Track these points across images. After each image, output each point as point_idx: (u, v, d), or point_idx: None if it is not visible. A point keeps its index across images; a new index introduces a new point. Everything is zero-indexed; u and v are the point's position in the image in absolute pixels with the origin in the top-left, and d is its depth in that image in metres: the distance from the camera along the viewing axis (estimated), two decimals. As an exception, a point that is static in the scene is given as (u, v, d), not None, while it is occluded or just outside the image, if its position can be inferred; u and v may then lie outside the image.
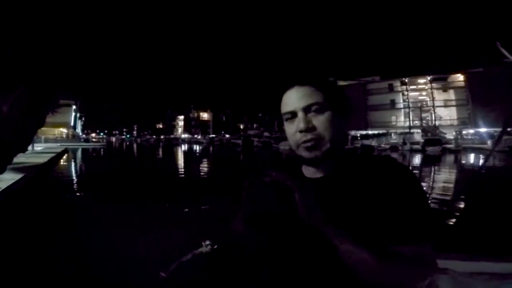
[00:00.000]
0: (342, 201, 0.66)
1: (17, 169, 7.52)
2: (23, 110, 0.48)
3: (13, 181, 5.96)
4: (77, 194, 7.62)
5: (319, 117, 0.69)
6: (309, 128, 0.68)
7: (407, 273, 0.60)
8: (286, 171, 0.76)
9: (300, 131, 0.68)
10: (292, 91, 0.71)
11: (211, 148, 40.24)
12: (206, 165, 17.63)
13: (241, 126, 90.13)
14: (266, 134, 48.40)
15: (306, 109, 0.69)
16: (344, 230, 0.61)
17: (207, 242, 0.79)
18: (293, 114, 0.70)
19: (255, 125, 78.78)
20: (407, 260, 0.60)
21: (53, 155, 14.77)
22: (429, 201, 0.71)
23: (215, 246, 0.78)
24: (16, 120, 0.48)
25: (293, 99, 0.70)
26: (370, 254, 0.59)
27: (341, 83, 45.38)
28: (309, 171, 0.76)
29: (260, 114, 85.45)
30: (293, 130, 0.70)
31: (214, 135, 76.93)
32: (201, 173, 13.42)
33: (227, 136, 68.74)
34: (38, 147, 21.90)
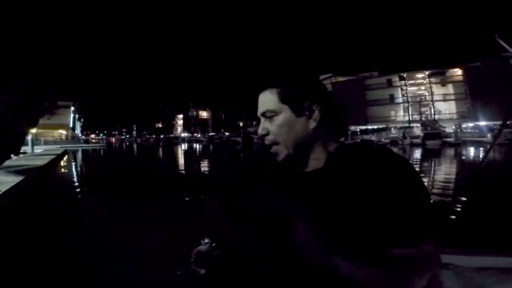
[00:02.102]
0: (332, 198, 0.63)
1: (17, 172, 7.51)
2: (14, 110, 0.48)
3: (14, 183, 5.95)
4: (78, 196, 7.62)
5: (272, 122, 0.71)
6: (263, 134, 0.73)
7: (409, 277, 0.58)
8: (279, 167, 0.76)
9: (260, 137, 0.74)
10: (259, 97, 0.75)
11: (211, 146, 40.23)
12: (206, 163, 17.65)
13: (241, 124, 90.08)
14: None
15: (263, 115, 0.73)
16: (341, 248, 0.59)
17: (206, 240, 0.79)
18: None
19: (254, 123, 78.63)
20: (407, 263, 0.58)
21: (53, 157, 14.76)
22: (429, 195, 0.65)
23: (214, 244, 0.78)
24: (7, 119, 0.48)
25: (258, 106, 0.75)
26: (374, 269, 0.57)
27: (340, 78, 45.36)
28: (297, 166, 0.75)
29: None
30: None
31: (213, 133, 76.85)
32: (202, 171, 13.44)
33: (227, 134, 68.70)
34: (38, 149, 21.87)
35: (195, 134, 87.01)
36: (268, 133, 0.72)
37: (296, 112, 0.70)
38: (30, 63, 0.50)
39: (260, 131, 0.73)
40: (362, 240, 0.60)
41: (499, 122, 27.36)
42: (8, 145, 0.51)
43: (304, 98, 0.70)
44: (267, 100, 0.72)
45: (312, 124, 0.70)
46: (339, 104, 0.75)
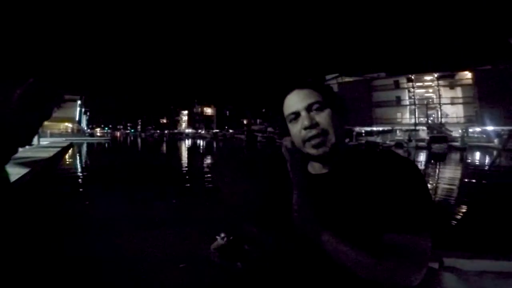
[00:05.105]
0: (346, 196, 0.70)
1: (23, 164, 7.60)
2: (30, 104, 0.51)
3: (20, 175, 6.03)
4: (83, 188, 7.71)
5: (320, 114, 0.74)
6: (313, 125, 0.73)
7: (401, 266, 0.61)
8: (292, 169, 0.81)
9: (305, 128, 0.73)
10: (293, 94, 0.77)
11: (214, 143, 40.33)
12: (210, 160, 17.69)
13: (245, 121, 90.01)
14: (270, 129, 48.34)
15: (308, 108, 0.75)
16: (334, 230, 0.65)
17: (222, 235, 0.79)
18: (296, 114, 0.76)
19: (258, 121, 78.56)
20: (401, 250, 0.61)
21: (59, 149, 14.91)
22: (430, 192, 0.69)
23: (231, 238, 0.78)
24: (23, 113, 0.51)
25: (295, 101, 0.76)
26: (363, 253, 0.62)
27: (346, 79, 45.06)
28: (314, 168, 0.80)
29: (263, 110, 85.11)
30: (297, 128, 0.76)
31: (217, 130, 76.99)
32: (206, 167, 13.49)
33: (231, 131, 68.80)
34: (44, 141, 22.11)
35: (199, 131, 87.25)
36: (317, 124, 0.73)
37: (336, 110, 0.76)
38: (45, 57, 0.53)
39: (308, 122, 0.73)
40: (361, 229, 0.65)
41: (508, 127, 27.00)
42: (23, 137, 0.54)
43: (337, 96, 0.78)
44: (311, 94, 0.75)
45: (344, 121, 0.78)
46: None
